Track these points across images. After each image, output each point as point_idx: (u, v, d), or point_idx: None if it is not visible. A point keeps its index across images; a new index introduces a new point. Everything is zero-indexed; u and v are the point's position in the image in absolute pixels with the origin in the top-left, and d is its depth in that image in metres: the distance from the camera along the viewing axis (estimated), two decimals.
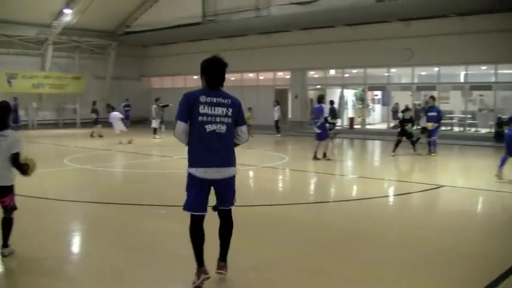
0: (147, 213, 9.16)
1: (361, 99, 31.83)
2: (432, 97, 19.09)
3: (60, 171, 14.58)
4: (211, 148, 5.27)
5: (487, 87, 26.05)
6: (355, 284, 5.64)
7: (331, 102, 23.36)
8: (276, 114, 28.23)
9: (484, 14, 23.12)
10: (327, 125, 17.51)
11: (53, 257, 6.55)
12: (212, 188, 5.38)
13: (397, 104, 30.19)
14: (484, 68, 26.57)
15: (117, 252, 6.78)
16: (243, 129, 5.53)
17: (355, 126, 30.53)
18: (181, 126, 5.29)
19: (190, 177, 5.33)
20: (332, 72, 31.50)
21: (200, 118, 5.24)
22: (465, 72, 26.00)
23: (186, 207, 5.35)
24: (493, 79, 25.27)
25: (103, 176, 14.45)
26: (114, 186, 12.61)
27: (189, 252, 5.35)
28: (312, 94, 31.28)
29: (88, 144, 22.75)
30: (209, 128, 5.25)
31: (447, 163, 17.73)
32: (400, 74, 30.35)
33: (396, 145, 18.56)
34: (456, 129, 27.16)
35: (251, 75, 34.20)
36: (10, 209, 6.44)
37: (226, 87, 5.47)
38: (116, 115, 23.10)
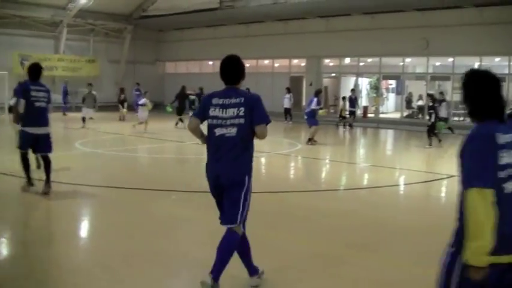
0: (156, 198, 9.29)
1: (375, 88, 31.92)
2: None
3: (71, 155, 14.63)
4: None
5: (500, 78, 25.85)
6: (373, 271, 5.76)
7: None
8: (287, 101, 28.34)
9: (501, 5, 23.08)
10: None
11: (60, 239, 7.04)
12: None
13: (410, 93, 30.32)
14: (498, 59, 26.58)
15: (124, 235, 7.07)
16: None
17: (369, 115, 30.63)
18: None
19: None
20: (347, 60, 31.56)
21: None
22: (479, 63, 25.91)
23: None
24: (506, 71, 25.19)
25: (112, 160, 14.52)
26: (123, 170, 12.76)
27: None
28: (326, 82, 31.39)
29: (102, 127, 22.65)
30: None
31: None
32: (415, 64, 30.38)
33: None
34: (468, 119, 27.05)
35: (266, 62, 34.31)
36: None
37: None
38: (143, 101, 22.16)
